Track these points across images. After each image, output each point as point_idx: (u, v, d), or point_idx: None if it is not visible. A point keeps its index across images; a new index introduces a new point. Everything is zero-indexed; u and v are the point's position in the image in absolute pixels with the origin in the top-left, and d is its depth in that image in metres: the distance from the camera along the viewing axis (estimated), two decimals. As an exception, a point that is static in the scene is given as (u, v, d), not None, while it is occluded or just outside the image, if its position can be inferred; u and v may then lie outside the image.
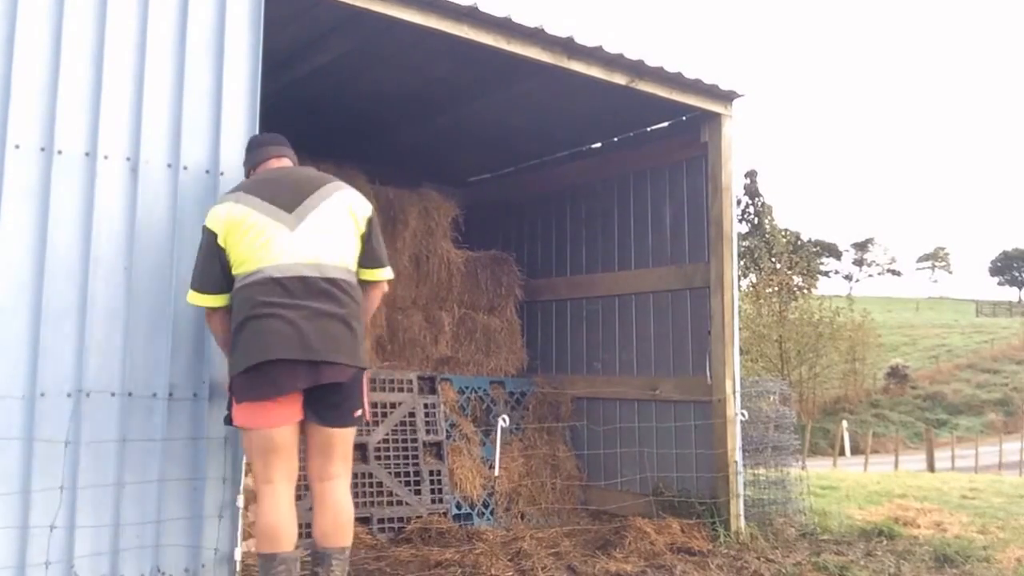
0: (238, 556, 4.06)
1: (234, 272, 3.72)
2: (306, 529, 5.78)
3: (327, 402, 3.70)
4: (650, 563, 5.36)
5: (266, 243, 3.65)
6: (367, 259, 3.93)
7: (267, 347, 3.55)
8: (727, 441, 6.41)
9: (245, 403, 3.66)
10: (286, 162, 4.09)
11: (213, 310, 3.80)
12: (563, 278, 8.18)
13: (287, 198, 3.75)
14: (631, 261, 7.52)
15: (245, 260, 3.67)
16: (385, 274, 4.03)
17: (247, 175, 4.10)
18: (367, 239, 3.91)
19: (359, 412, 3.83)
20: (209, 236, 3.72)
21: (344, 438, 3.84)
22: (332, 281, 3.69)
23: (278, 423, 3.64)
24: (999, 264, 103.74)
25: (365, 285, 3.96)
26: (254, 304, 3.60)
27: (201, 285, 3.75)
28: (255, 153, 4.10)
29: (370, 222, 3.93)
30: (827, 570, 5.44)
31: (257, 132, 4.31)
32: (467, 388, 7.37)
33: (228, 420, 3.87)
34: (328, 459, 3.80)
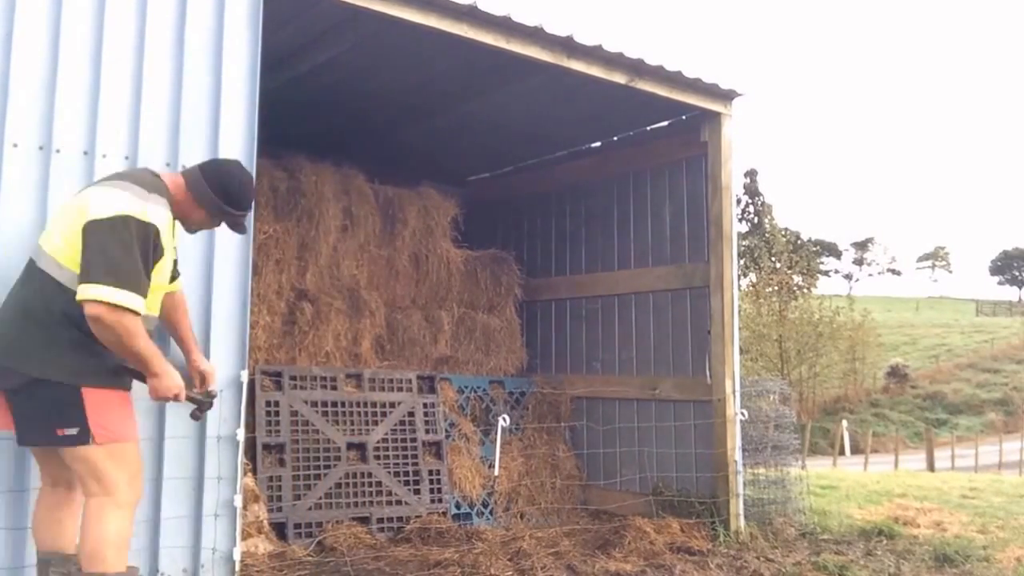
0: (237, 556, 4.06)
1: None
2: (306, 529, 5.78)
3: (18, 412, 3.21)
4: (650, 563, 5.36)
5: None
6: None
7: None
8: (727, 440, 6.41)
9: None
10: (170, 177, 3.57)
11: None
12: (563, 277, 8.18)
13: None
14: (631, 260, 7.52)
15: None
16: (84, 292, 3.06)
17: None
18: (82, 240, 3.15)
19: (70, 431, 3.15)
20: None
21: (73, 457, 3.21)
22: (43, 273, 3.21)
23: None
24: (999, 263, 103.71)
25: None
26: None
27: None
28: None
29: (87, 226, 3.13)
30: (827, 570, 5.44)
31: (256, 131, 4.31)
32: (466, 387, 7.36)
33: None
34: (58, 469, 3.39)
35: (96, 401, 3.18)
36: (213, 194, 3.50)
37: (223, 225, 3.68)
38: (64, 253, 3.17)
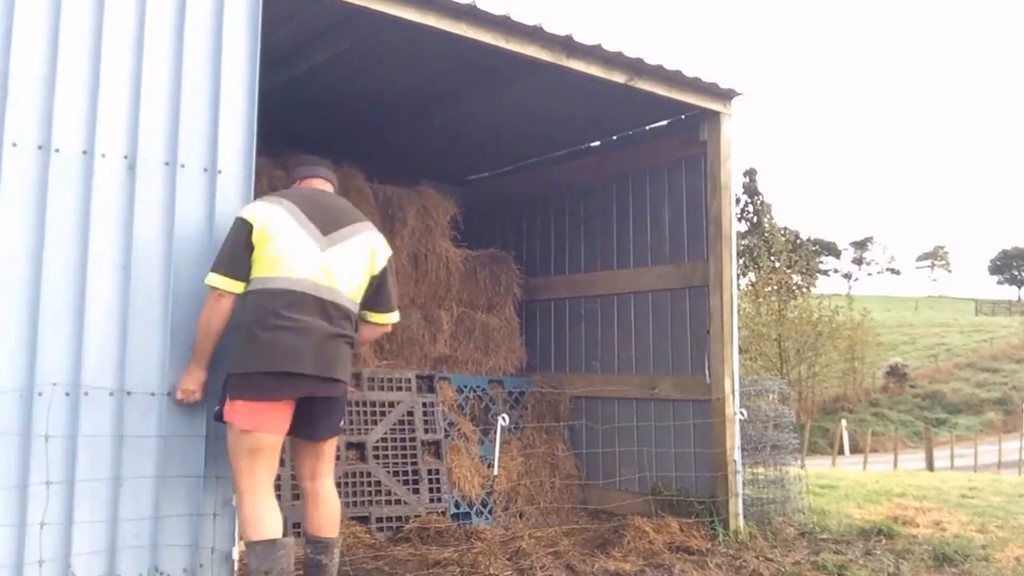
0: (236, 555, 4.06)
1: (253, 272, 3.83)
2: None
3: (320, 414, 3.97)
4: (649, 562, 5.35)
5: (295, 255, 3.83)
6: (375, 302, 4.19)
7: (279, 357, 3.72)
8: (726, 440, 6.41)
9: (241, 402, 3.75)
10: (328, 187, 4.37)
11: (227, 296, 3.82)
12: (562, 277, 8.17)
13: (324, 221, 3.97)
14: (630, 260, 7.51)
15: (271, 264, 3.80)
16: (393, 318, 4.34)
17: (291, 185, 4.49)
18: (378, 282, 4.15)
19: (343, 422, 4.20)
20: (244, 227, 3.83)
21: (333, 444, 4.20)
22: (342, 307, 3.92)
23: (269, 429, 3.79)
24: (998, 263, 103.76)
25: (367, 323, 4.26)
26: (271, 311, 3.75)
27: (231, 270, 3.82)
28: (306, 168, 4.46)
29: (384, 270, 4.18)
30: (826, 569, 5.44)
31: (255, 130, 4.30)
32: (466, 387, 7.35)
33: (219, 416, 3.91)
34: (318, 461, 4.12)
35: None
36: None
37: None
38: (357, 296, 4.06)
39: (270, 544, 3.73)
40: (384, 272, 4.17)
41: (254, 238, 3.80)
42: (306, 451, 4.11)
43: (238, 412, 3.76)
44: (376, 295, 4.16)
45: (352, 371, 6.54)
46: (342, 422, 4.17)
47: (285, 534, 5.64)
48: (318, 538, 4.08)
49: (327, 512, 4.10)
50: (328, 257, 3.90)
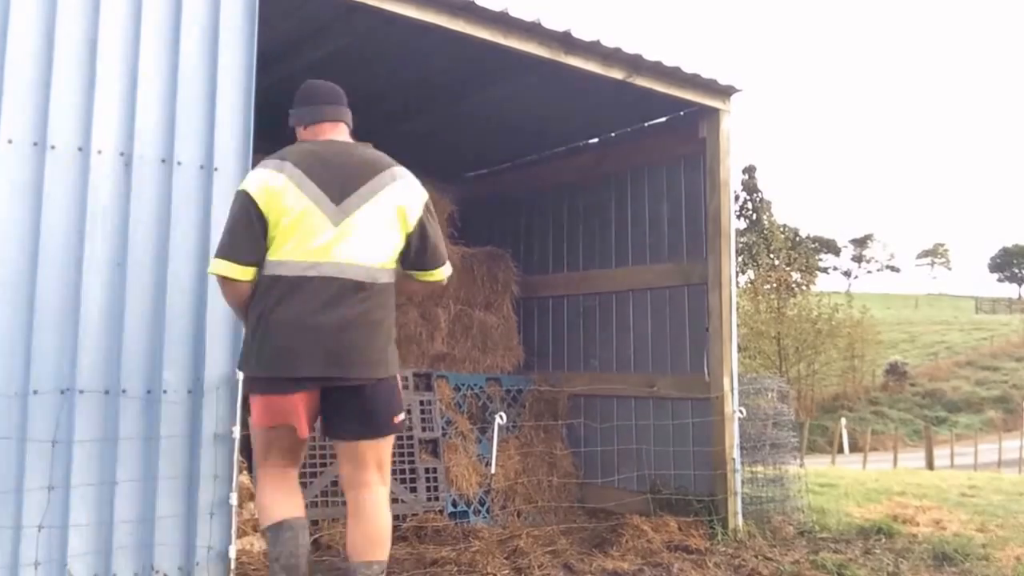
0: (232, 554, 4.04)
1: (267, 254, 3.37)
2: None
3: (348, 410, 3.45)
4: (647, 561, 5.34)
5: (304, 233, 3.32)
6: (419, 261, 3.63)
7: (272, 361, 3.33)
8: (725, 438, 6.40)
9: (253, 396, 3.52)
10: (342, 130, 3.71)
11: (231, 283, 3.36)
12: (560, 274, 8.15)
13: (337, 186, 3.38)
14: (628, 257, 7.49)
15: (278, 244, 3.34)
16: (442, 273, 3.74)
17: (294, 132, 3.80)
18: (415, 238, 3.55)
19: (399, 418, 3.57)
20: (246, 202, 3.33)
21: (375, 448, 3.51)
22: (366, 285, 3.38)
23: (279, 423, 3.43)
24: (999, 260, 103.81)
25: (417, 281, 3.75)
26: (265, 307, 3.32)
27: (233, 253, 3.32)
28: (312, 110, 3.75)
29: (421, 223, 3.55)
30: (825, 568, 5.42)
31: (251, 127, 4.28)
32: (463, 385, 7.34)
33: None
34: (355, 468, 3.53)
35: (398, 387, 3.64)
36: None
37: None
38: (392, 259, 3.55)
39: (276, 527, 3.45)
40: (421, 225, 3.54)
41: (263, 209, 3.32)
42: (342, 454, 3.60)
43: (253, 407, 3.53)
44: (418, 255, 3.59)
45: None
46: (395, 419, 3.53)
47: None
48: (357, 562, 3.43)
49: (365, 531, 3.44)
50: (344, 230, 3.35)
